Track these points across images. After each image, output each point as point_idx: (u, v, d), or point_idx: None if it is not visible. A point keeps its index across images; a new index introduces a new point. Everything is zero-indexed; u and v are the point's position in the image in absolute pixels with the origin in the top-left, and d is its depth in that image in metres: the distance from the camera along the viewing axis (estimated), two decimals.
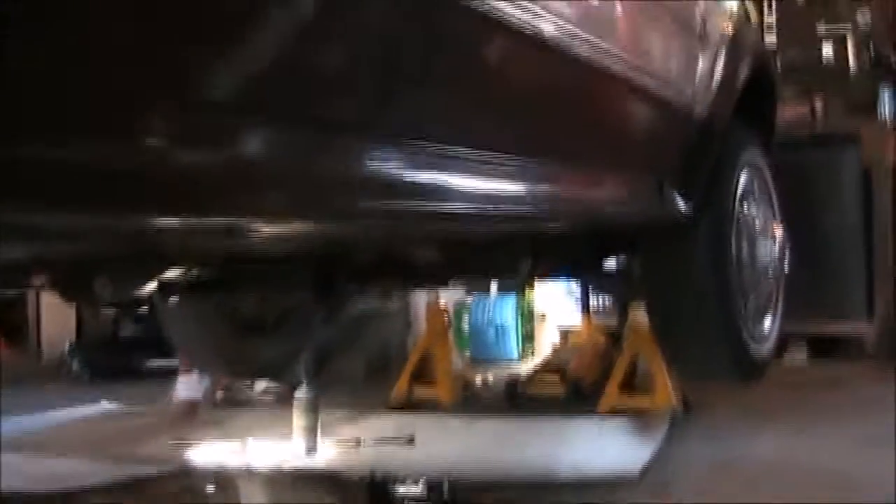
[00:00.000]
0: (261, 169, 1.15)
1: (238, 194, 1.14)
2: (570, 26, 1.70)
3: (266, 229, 1.61)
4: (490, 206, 1.71)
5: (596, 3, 1.89)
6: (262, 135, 1.13)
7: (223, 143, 1.09)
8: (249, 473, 1.72)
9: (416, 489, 2.50)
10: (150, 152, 0.98)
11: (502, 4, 1.45)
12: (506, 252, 2.90)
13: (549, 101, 1.82)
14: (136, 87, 0.95)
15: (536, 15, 1.56)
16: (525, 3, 1.51)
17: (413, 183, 1.45)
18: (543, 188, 1.90)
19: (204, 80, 1.03)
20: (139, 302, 2.49)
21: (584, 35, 1.77)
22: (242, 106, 1.09)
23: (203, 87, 1.03)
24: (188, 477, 3.00)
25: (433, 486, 2.52)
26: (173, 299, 2.74)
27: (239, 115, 1.09)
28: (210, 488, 1.64)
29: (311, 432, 3.38)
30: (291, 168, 1.20)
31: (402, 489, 2.39)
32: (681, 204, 2.56)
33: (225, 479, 1.66)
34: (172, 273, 2.46)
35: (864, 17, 6.02)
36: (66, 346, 6.08)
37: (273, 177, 1.18)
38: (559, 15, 1.66)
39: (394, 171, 1.39)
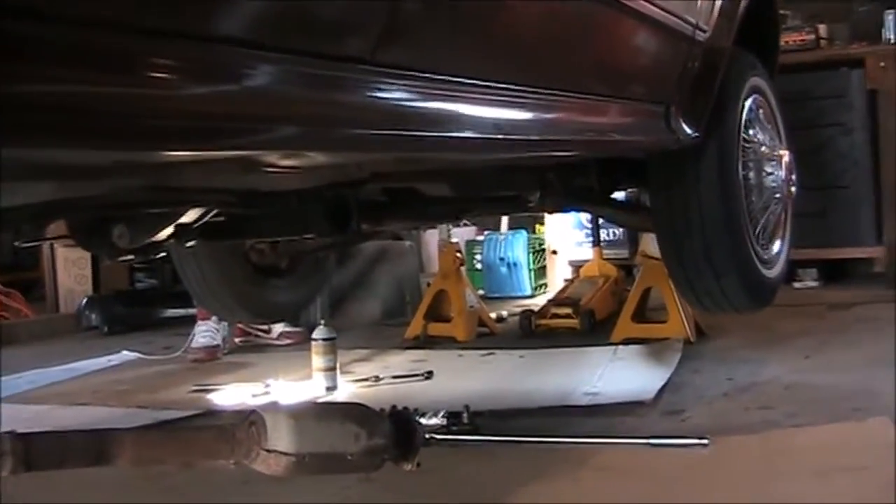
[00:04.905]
0: (270, 101, 1.16)
1: (248, 127, 1.15)
2: None
3: (280, 163, 1.63)
4: (499, 135, 1.72)
5: None
6: (271, 67, 1.14)
7: (232, 77, 1.10)
8: (274, 409, 1.76)
9: (437, 420, 2.55)
10: (160, 86, 1.00)
11: None
12: (516, 184, 2.92)
13: (555, 30, 1.83)
14: (144, 19, 0.95)
15: None
16: None
17: (421, 112, 1.47)
18: (551, 116, 1.92)
19: (212, 13, 1.04)
20: (156, 249, 2.50)
21: None
22: (251, 38, 1.10)
23: (211, 20, 1.04)
24: (213, 418, 3.07)
25: (453, 417, 2.57)
26: (189, 245, 2.75)
27: (247, 48, 1.10)
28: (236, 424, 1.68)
29: (331, 371, 3.44)
30: (300, 100, 1.22)
31: (423, 421, 2.43)
32: (687, 130, 2.58)
33: (250, 415, 1.71)
34: (188, 218, 2.48)
35: None
36: (83, 300, 6.11)
37: (282, 109, 1.19)
38: None
39: (402, 101, 1.41)
